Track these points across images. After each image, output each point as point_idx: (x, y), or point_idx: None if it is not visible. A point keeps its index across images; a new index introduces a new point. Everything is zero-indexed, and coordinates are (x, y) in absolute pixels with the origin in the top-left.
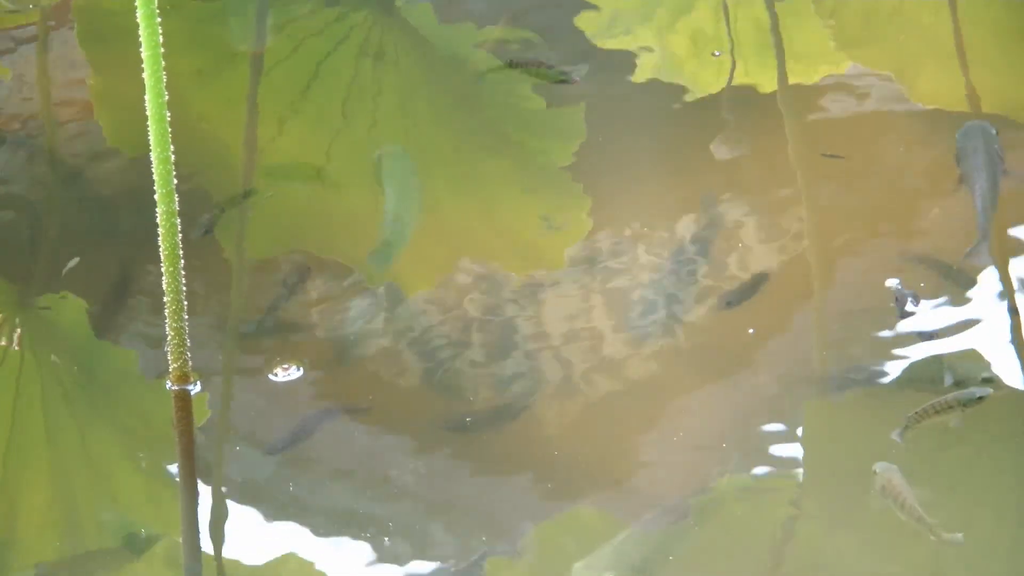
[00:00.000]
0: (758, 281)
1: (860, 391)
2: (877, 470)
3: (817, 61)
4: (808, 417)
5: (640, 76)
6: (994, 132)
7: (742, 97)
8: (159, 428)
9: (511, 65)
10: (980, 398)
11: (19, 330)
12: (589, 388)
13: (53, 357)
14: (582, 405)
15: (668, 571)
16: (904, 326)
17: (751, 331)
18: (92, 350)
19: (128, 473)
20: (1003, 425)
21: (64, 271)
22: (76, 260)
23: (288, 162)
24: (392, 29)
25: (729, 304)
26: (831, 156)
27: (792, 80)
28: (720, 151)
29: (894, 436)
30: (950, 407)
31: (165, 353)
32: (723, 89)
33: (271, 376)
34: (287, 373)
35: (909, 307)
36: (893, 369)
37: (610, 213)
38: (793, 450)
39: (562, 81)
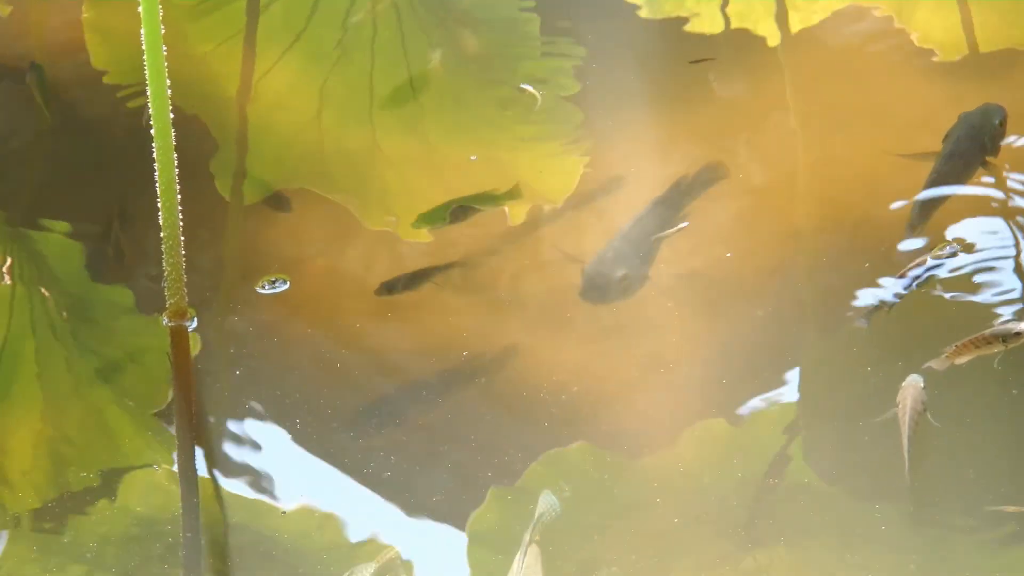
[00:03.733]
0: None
1: (857, 329)
2: (904, 382)
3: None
4: (805, 353)
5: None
6: (996, 121)
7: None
8: (153, 364)
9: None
10: (1018, 334)
11: (9, 260)
12: (583, 325)
13: (43, 290)
14: (575, 342)
15: (654, 504)
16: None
17: (728, 254)
18: (84, 284)
19: (120, 408)
20: None
21: None
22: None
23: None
24: None
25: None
26: (700, 60)
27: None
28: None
29: (930, 364)
30: (989, 342)
31: (161, 289)
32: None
33: (258, 289)
34: (274, 287)
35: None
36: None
37: (607, 147)
38: (790, 386)
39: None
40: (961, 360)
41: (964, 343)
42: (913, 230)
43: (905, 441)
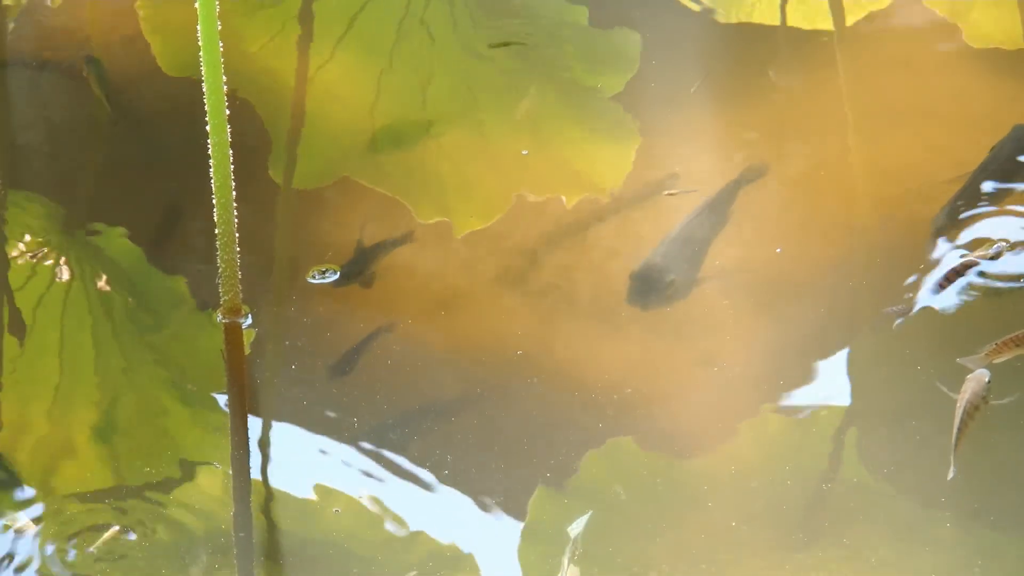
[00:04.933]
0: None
1: (911, 326)
2: (970, 375)
3: None
4: (856, 350)
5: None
6: None
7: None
8: (207, 360)
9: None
10: None
11: (64, 256)
12: (636, 323)
13: (101, 284)
14: (628, 341)
15: (709, 497)
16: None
17: (778, 250)
18: (141, 279)
19: (176, 403)
20: None
21: None
22: None
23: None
24: None
25: None
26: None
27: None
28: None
29: (965, 362)
30: None
31: (216, 285)
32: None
33: (308, 279)
34: (324, 276)
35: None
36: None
37: (661, 143)
38: (841, 383)
39: None
40: (1000, 359)
41: (1004, 341)
42: (938, 233)
43: (955, 431)
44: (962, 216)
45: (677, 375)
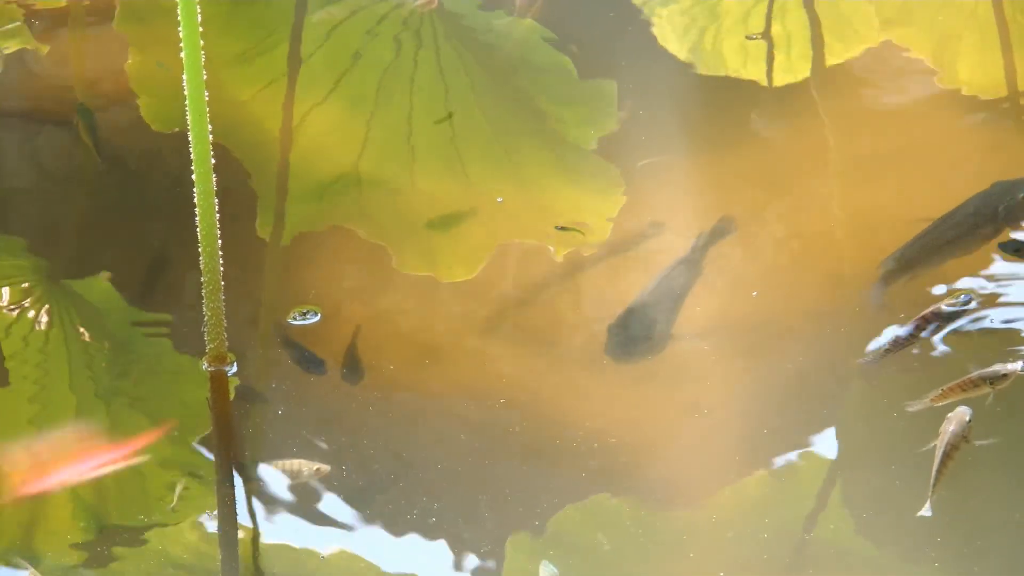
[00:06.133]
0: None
1: (896, 376)
2: (951, 413)
3: (853, 41)
4: (839, 397)
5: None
6: (1021, 195)
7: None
8: (191, 409)
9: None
10: (1005, 375)
11: (47, 306)
12: (619, 373)
13: (83, 331)
14: (611, 390)
15: (690, 547)
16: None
17: (754, 293)
18: (123, 329)
19: (158, 453)
20: None
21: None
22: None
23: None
24: (431, 13)
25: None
26: (565, 228)
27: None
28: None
29: (912, 407)
30: (976, 385)
31: (201, 334)
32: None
33: (289, 320)
34: (305, 318)
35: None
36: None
37: (643, 194)
38: (825, 431)
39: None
40: (946, 403)
41: (951, 387)
42: (887, 277)
43: (934, 470)
44: (911, 261)
45: (659, 425)
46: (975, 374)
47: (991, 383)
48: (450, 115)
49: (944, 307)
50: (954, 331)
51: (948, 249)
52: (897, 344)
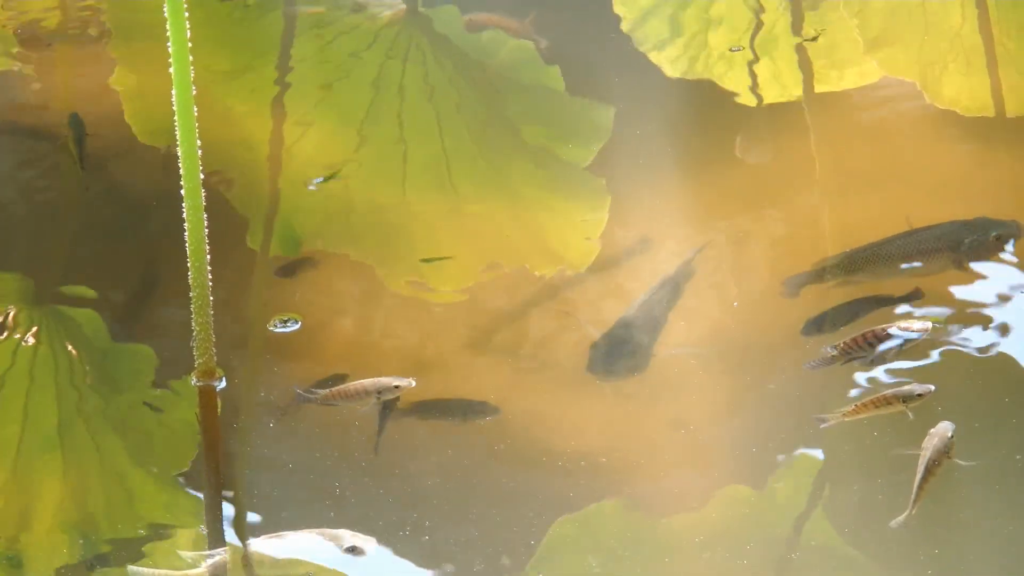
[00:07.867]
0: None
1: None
2: (933, 428)
3: (844, 65)
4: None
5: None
6: (993, 234)
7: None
8: (176, 425)
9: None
10: (920, 395)
11: (35, 327)
12: (607, 386)
13: (69, 348)
14: (600, 403)
15: (676, 562)
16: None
17: (735, 303)
18: (108, 347)
19: (143, 470)
20: None
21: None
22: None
23: None
24: (417, 33)
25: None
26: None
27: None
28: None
29: (823, 422)
30: (889, 402)
31: (189, 348)
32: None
33: (270, 327)
34: (285, 326)
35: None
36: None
37: (631, 213)
38: (811, 447)
39: None
40: (858, 418)
41: (863, 403)
42: (817, 274)
43: (916, 483)
44: (856, 264)
45: (646, 442)
46: (889, 392)
47: (904, 401)
48: (334, 174)
49: (894, 329)
50: (902, 351)
51: (899, 262)
52: (844, 355)
